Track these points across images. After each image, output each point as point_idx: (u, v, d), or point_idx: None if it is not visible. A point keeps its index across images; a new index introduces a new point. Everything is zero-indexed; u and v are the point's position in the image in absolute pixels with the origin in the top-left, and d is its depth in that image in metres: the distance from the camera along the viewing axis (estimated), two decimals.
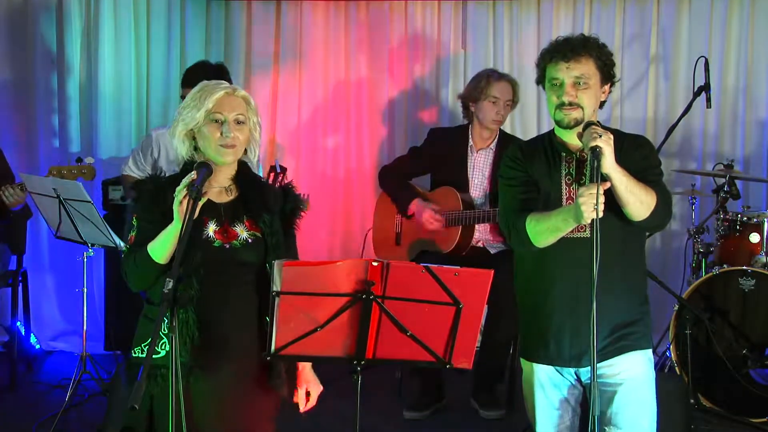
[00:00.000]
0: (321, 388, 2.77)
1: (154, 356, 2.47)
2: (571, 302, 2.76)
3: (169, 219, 2.47)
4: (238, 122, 2.58)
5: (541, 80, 2.86)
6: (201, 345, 2.53)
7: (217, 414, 2.58)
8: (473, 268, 2.39)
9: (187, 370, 2.52)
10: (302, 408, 2.74)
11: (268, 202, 2.67)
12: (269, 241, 2.62)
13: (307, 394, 2.74)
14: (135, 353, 2.61)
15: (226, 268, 2.58)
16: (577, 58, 2.74)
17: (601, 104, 2.86)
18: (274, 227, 2.64)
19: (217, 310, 2.56)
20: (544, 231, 2.75)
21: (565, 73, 2.74)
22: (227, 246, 2.58)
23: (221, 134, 2.55)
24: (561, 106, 2.75)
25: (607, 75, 2.82)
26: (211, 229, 2.59)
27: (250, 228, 2.63)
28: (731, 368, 4.39)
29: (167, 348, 2.48)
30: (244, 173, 2.68)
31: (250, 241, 2.61)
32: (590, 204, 2.54)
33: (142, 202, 2.59)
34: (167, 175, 2.67)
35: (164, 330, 2.48)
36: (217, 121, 2.56)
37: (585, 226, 2.72)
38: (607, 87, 2.84)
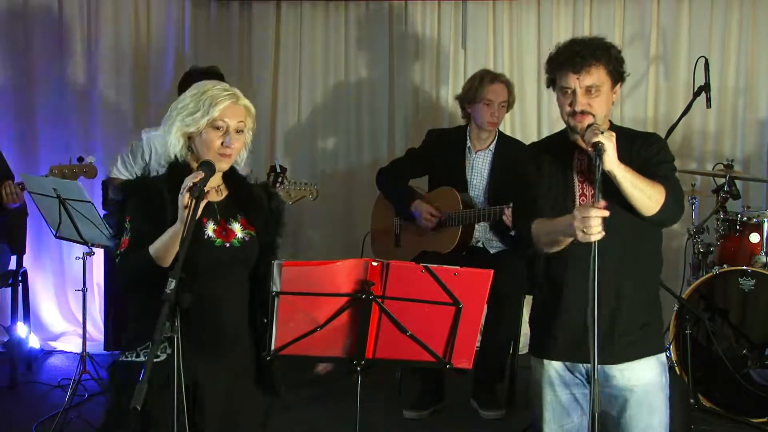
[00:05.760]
0: None
1: (155, 360, 2.41)
2: (585, 302, 2.73)
3: (162, 219, 2.46)
4: (238, 131, 2.58)
5: (551, 84, 2.82)
6: (206, 346, 2.53)
7: (224, 413, 2.58)
8: (473, 268, 2.39)
9: (194, 371, 2.51)
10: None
11: (257, 200, 2.69)
12: (263, 240, 2.64)
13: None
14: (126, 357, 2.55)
15: (227, 268, 2.59)
16: (587, 69, 2.69)
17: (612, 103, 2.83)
18: (269, 225, 2.67)
19: (218, 310, 2.56)
20: (547, 241, 2.76)
21: (576, 83, 2.70)
22: (227, 245, 2.59)
23: (222, 143, 2.55)
24: (573, 114, 2.73)
25: (618, 76, 2.79)
26: (210, 228, 2.59)
27: (245, 227, 2.64)
28: (731, 368, 4.38)
29: (168, 351, 2.47)
30: (232, 173, 2.69)
31: (246, 239, 2.63)
32: (580, 229, 2.51)
33: (134, 203, 2.55)
34: (154, 175, 2.67)
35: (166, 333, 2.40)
36: (218, 128, 2.55)
37: None
38: (618, 87, 2.81)
